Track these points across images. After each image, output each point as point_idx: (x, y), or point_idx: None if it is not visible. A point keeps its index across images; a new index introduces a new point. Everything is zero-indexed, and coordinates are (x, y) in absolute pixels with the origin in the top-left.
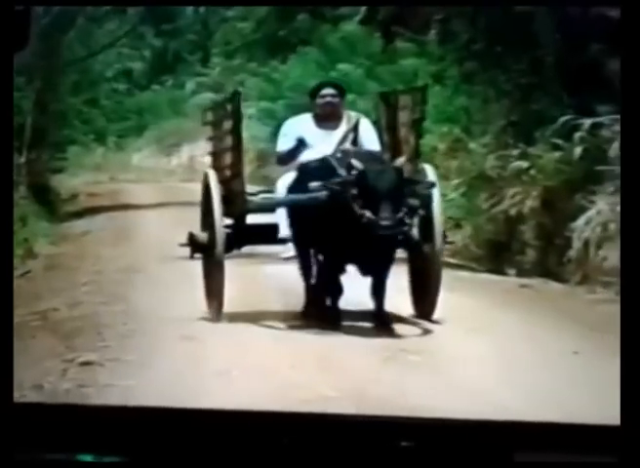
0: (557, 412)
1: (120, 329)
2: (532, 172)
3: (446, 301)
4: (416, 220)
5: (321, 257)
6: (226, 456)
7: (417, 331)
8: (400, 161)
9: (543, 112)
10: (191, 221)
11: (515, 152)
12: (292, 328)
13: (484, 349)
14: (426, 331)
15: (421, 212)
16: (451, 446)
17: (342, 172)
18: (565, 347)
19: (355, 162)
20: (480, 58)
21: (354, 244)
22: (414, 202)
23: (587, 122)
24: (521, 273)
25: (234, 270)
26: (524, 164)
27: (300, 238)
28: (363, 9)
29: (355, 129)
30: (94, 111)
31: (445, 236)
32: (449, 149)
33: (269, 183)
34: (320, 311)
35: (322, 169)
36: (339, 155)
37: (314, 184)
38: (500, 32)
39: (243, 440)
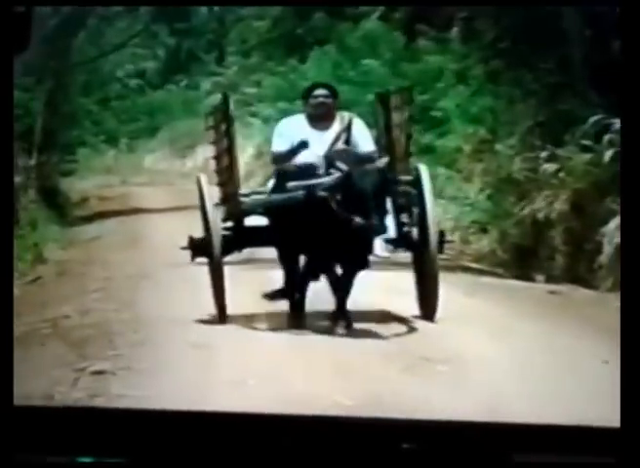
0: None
1: (131, 337)
2: (561, 174)
3: (464, 306)
4: (414, 220)
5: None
6: (228, 459)
7: (432, 335)
8: (383, 161)
9: (572, 112)
10: None
11: (543, 154)
12: (302, 331)
13: (507, 356)
14: (442, 336)
15: (415, 211)
16: (450, 447)
17: (325, 173)
18: (594, 356)
19: (340, 164)
20: (505, 56)
21: (332, 245)
22: (400, 201)
23: (618, 122)
24: (550, 279)
25: (245, 274)
26: (552, 166)
27: (283, 240)
28: (382, 7)
29: (348, 129)
30: (105, 112)
31: (443, 235)
32: (474, 151)
33: None
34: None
35: (304, 169)
36: (321, 155)
37: (292, 184)
38: (525, 30)
39: (243, 441)
